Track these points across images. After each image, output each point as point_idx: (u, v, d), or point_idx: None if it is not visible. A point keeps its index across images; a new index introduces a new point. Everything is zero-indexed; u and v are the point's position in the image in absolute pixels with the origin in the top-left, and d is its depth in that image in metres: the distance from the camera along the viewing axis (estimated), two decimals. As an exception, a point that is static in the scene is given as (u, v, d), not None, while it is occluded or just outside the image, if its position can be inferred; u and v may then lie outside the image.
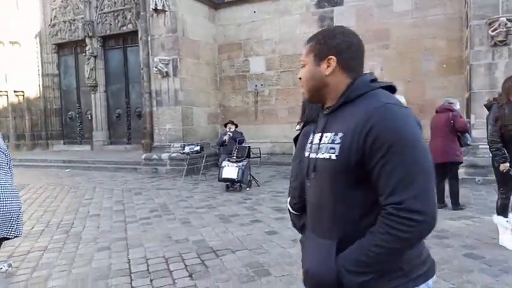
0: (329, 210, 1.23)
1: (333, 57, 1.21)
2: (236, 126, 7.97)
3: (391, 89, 1.24)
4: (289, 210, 2.09)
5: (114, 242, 4.30)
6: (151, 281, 3.23)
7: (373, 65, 9.04)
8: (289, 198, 2.03)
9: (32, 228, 5.05)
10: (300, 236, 1.97)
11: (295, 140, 2.03)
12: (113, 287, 3.16)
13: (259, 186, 7.30)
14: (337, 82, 1.22)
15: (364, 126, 1.08)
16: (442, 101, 5.62)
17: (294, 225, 2.10)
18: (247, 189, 7.03)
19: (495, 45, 6.52)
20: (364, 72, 1.26)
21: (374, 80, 1.23)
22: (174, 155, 9.35)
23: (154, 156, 9.56)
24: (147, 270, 3.47)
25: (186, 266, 3.52)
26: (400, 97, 5.46)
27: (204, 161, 8.47)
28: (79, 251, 4.06)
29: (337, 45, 1.23)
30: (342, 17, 9.23)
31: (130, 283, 3.21)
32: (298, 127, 2.03)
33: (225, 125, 7.99)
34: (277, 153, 10.05)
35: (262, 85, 10.35)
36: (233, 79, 10.76)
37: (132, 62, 13.27)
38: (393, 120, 1.07)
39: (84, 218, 5.48)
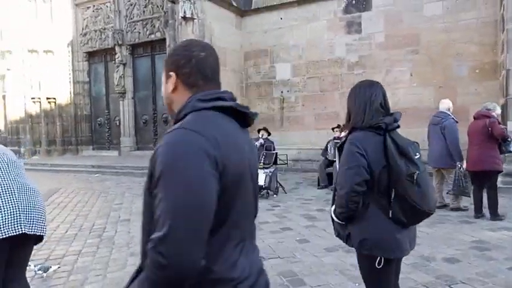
0: None
1: (172, 73, 1.14)
2: (269, 134, 7.95)
3: (232, 110, 1.10)
4: (332, 219, 2.05)
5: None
6: (185, 287, 3.22)
7: (402, 70, 8.89)
8: (333, 207, 1.98)
9: (66, 232, 5.16)
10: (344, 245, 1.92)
11: (340, 147, 1.98)
12: (148, 292, 3.17)
13: (286, 193, 7.24)
14: (180, 99, 1.13)
15: (155, 153, 1.01)
16: (478, 107, 5.44)
17: (338, 235, 2.05)
18: (275, 196, 6.98)
19: (534, 49, 6.28)
20: (214, 89, 1.13)
21: (212, 100, 1.08)
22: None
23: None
24: (180, 276, 3.47)
25: (219, 273, 3.50)
26: (446, 102, 5.27)
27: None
28: (112, 256, 4.11)
29: (175, 61, 1.15)
30: (370, 22, 9.13)
31: (165, 289, 3.21)
32: (343, 134, 1.99)
33: (258, 132, 7.98)
34: (303, 160, 9.96)
35: (288, 91, 10.32)
36: (259, 86, 10.78)
37: (160, 69, 13.48)
38: (165, 153, 0.97)
39: (115, 222, 5.56)
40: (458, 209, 5.41)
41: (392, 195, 1.81)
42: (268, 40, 10.49)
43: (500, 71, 7.60)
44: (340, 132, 7.54)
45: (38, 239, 2.42)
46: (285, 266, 3.62)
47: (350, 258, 3.70)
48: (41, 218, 2.35)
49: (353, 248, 3.94)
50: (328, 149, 7.70)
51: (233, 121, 1.12)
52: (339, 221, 1.92)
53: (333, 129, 8.01)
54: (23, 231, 2.20)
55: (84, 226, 5.42)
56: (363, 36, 9.25)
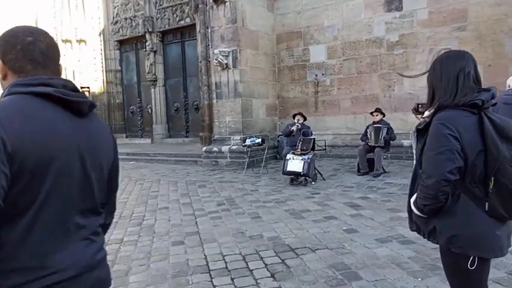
0: None
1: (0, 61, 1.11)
2: (305, 118, 7.67)
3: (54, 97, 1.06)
4: (410, 211, 1.79)
5: (188, 237, 4.23)
6: (232, 279, 3.08)
7: (447, 49, 8.29)
8: (413, 198, 1.73)
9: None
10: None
11: (425, 128, 1.70)
12: (194, 284, 3.05)
13: (324, 180, 6.97)
14: None
15: None
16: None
17: (416, 229, 1.79)
18: (313, 183, 6.74)
19: None
20: (45, 75, 1.11)
21: (33, 85, 1.05)
22: (234, 147, 9.27)
23: (215, 148, 9.54)
24: (226, 267, 3.33)
25: (266, 264, 3.33)
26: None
27: (265, 153, 8.29)
28: (154, 245, 4.02)
29: (1, 48, 1.12)
30: (412, -1, 8.55)
31: (211, 281, 3.08)
32: (426, 113, 1.71)
33: (294, 117, 7.72)
34: (339, 146, 9.62)
35: (323, 74, 9.93)
36: (292, 69, 10.44)
37: (190, 56, 13.40)
38: None
39: (154, 210, 5.51)
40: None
41: (491, 185, 1.54)
42: (302, 21, 10.09)
43: (560, 46, 6.94)
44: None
45: None
46: (335, 258, 3.40)
47: (407, 251, 3.45)
48: None
49: (409, 239, 3.76)
50: (368, 133, 7.35)
51: (58, 108, 1.08)
52: (421, 214, 1.66)
53: (371, 113, 7.61)
54: None
55: (123, 214, 5.39)
56: (404, 13, 8.69)
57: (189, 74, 13.53)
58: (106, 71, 15.40)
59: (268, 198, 5.87)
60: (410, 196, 1.76)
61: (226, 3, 9.12)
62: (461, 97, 1.58)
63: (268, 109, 10.43)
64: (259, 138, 8.29)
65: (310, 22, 9.96)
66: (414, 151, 1.85)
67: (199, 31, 11.02)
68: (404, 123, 8.79)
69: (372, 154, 7.25)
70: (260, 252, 3.63)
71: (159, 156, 11.14)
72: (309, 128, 7.66)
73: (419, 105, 2.05)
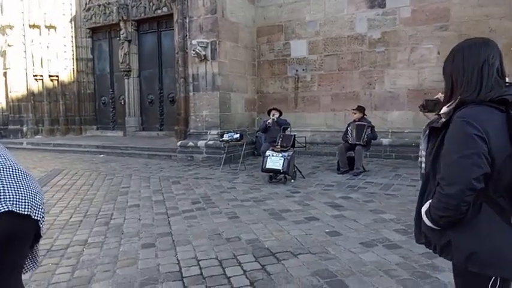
0: None
1: None
2: (280, 113, 7.43)
3: None
4: (417, 222, 1.55)
5: (159, 238, 3.89)
6: (207, 288, 2.79)
7: (428, 48, 8.28)
8: (425, 207, 1.48)
9: (70, 218, 4.73)
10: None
11: (442, 127, 1.46)
12: (165, 294, 2.74)
13: (304, 178, 6.76)
14: None
15: None
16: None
17: (425, 243, 1.55)
18: (292, 181, 6.52)
19: None
20: None
21: None
22: (210, 142, 8.94)
23: (191, 143, 9.17)
24: (201, 274, 3.03)
25: (244, 271, 3.05)
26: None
27: (243, 149, 8.01)
28: (122, 248, 3.67)
29: None
30: (395, -4, 8.44)
31: (184, 290, 2.78)
32: (445, 109, 1.46)
33: (269, 112, 7.46)
34: (318, 143, 9.46)
35: (304, 70, 9.72)
36: (272, 64, 10.18)
37: (166, 46, 12.93)
38: None
39: (123, 208, 5.12)
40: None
41: None
42: (283, 15, 9.83)
43: (539, 49, 6.98)
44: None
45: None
46: (319, 264, 3.16)
47: (393, 256, 3.25)
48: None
49: (395, 243, 3.57)
50: (349, 132, 7.19)
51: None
52: (434, 226, 1.42)
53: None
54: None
55: (89, 212, 4.98)
56: (387, 10, 8.58)
57: (165, 65, 13.05)
58: (77, 60, 14.66)
59: (246, 196, 5.60)
60: (420, 204, 1.52)
61: (206, -8, 8.74)
62: (487, 92, 1.35)
63: (247, 104, 10.14)
64: (237, 133, 8.00)
65: (292, 16, 9.72)
66: (423, 153, 1.61)
67: (177, 21, 10.59)
68: (384, 122, 8.73)
69: (351, 152, 7.10)
70: (238, 257, 3.35)
71: (132, 150, 10.66)
72: (286, 120, 7.44)
73: (428, 102, 1.81)
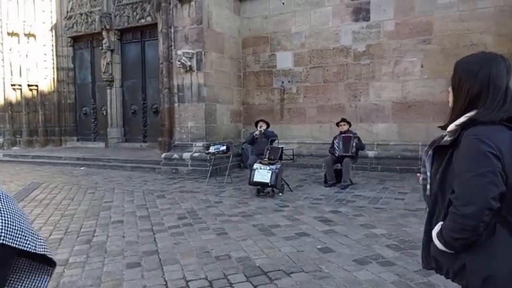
0: None
1: None
2: (268, 125, 7.36)
3: None
4: (428, 247, 1.47)
5: (145, 257, 3.73)
6: (198, 313, 2.65)
7: (412, 61, 8.40)
8: (436, 230, 1.39)
9: (50, 235, 4.51)
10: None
11: (450, 145, 1.39)
12: (153, 320, 2.58)
13: (292, 191, 6.68)
14: None
15: None
16: None
17: (438, 268, 1.46)
18: (280, 194, 6.43)
19: None
20: None
21: None
22: (196, 154, 8.78)
23: (175, 155, 8.99)
24: (190, 297, 2.89)
25: (236, 293, 2.93)
26: None
27: (230, 162, 7.89)
28: (106, 268, 3.49)
29: None
30: (379, 9, 8.57)
31: (173, 315, 2.63)
32: (452, 127, 1.39)
33: (256, 124, 7.38)
34: (304, 155, 9.42)
35: (289, 82, 9.72)
36: (258, 75, 10.15)
37: (150, 56, 12.76)
38: None
39: (106, 224, 4.92)
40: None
41: None
42: (269, 26, 9.85)
43: (519, 63, 7.15)
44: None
45: None
46: (313, 283, 3.06)
47: (389, 274, 3.18)
48: None
49: (388, 260, 3.51)
50: (336, 144, 7.17)
51: None
52: (447, 249, 1.34)
53: (337, 124, 7.43)
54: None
55: (70, 229, 4.76)
56: (371, 23, 8.68)
57: (149, 75, 12.87)
58: (57, 69, 14.30)
59: (234, 211, 5.47)
60: (429, 227, 1.44)
61: (192, 3, 8.67)
62: (504, 111, 1.30)
63: (233, 115, 10.05)
64: (224, 145, 7.88)
65: (278, 28, 9.74)
66: (428, 173, 1.54)
67: (161, 31, 10.47)
68: (370, 134, 8.77)
69: (338, 165, 7.07)
70: (229, 277, 3.22)
71: (114, 162, 10.39)
72: (273, 132, 7.37)
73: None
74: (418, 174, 1.64)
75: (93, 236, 4.44)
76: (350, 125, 7.34)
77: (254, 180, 6.33)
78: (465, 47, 7.86)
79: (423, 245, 1.50)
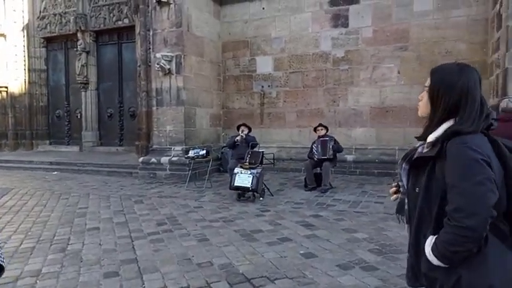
0: None
1: None
2: (250, 129, 7.31)
3: None
4: (417, 264, 1.40)
5: (123, 265, 3.59)
6: (181, 323, 2.56)
7: (389, 67, 8.57)
8: (430, 243, 1.30)
9: (21, 244, 4.29)
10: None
11: (436, 156, 1.35)
12: (133, 332, 2.47)
13: (272, 195, 6.64)
14: None
15: None
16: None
17: (429, 286, 1.41)
18: (261, 199, 6.38)
19: (533, 48, 6.08)
20: None
21: None
22: (175, 159, 8.63)
23: (153, 159, 8.81)
24: (172, 306, 2.79)
25: (220, 301, 2.86)
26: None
27: (210, 166, 7.79)
28: (81, 278, 3.34)
29: None
30: (358, 16, 8.71)
31: (155, 326, 2.53)
32: (432, 137, 1.36)
33: (238, 128, 7.32)
34: (284, 159, 9.42)
35: (269, 86, 9.73)
36: (238, 79, 10.11)
37: (127, 59, 12.52)
38: None
39: (81, 232, 4.73)
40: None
41: None
42: (249, 31, 9.84)
43: (491, 70, 7.41)
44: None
45: None
46: (297, 289, 3.02)
47: (372, 279, 3.18)
48: None
49: (371, 264, 3.51)
50: (314, 149, 7.19)
51: None
52: (442, 264, 1.30)
53: (315, 129, 7.46)
54: None
55: (43, 237, 4.55)
56: (350, 30, 8.81)
57: (126, 78, 12.62)
58: (29, 70, 13.82)
59: (214, 216, 5.38)
60: (416, 244, 1.39)
61: (171, 6, 8.55)
62: (482, 121, 1.32)
63: (212, 119, 9.95)
64: (203, 149, 7.78)
65: (258, 32, 9.74)
66: (405, 186, 1.47)
67: (139, 33, 10.29)
68: (348, 138, 8.86)
69: (318, 169, 7.10)
70: (212, 285, 3.14)
71: (89, 167, 10.08)
72: (254, 138, 7.32)
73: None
74: (391, 190, 1.60)
75: (68, 244, 4.26)
76: (327, 130, 7.39)
77: (235, 184, 6.26)
78: (440, 54, 8.08)
79: (410, 263, 1.45)
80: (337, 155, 7.28)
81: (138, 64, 10.43)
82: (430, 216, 1.32)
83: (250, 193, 6.33)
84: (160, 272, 3.43)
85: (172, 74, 8.67)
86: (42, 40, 13.89)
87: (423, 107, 1.43)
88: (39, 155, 12.58)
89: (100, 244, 4.25)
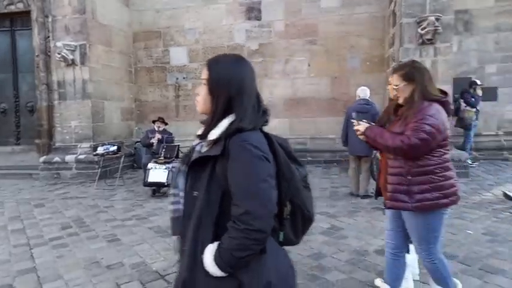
0: None
1: None
2: (166, 124, 7.01)
3: None
4: (188, 283, 1.23)
5: (19, 276, 3.20)
6: (85, 332, 2.34)
7: (300, 60, 8.91)
8: (211, 253, 1.18)
9: None
10: None
11: (220, 155, 1.23)
12: None
13: (190, 189, 6.49)
14: None
15: None
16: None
17: None
18: (178, 193, 6.19)
19: (423, 43, 6.75)
20: None
21: None
22: (81, 157, 7.98)
23: (57, 158, 8.04)
24: (76, 314, 2.55)
25: (131, 302, 2.69)
26: (367, 89, 5.24)
27: (122, 162, 7.35)
28: (-35, 295, 2.90)
29: None
30: (270, 9, 8.89)
31: None
32: (214, 134, 1.25)
33: (153, 122, 6.98)
34: (202, 153, 9.28)
35: (184, 78, 9.48)
36: (151, 71, 9.67)
37: (23, 48, 11.17)
38: None
39: (-34, 243, 4.12)
40: (367, 196, 5.48)
41: (288, 210, 1.31)
42: (161, 21, 9.44)
43: (387, 63, 8.11)
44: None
45: None
46: None
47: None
48: None
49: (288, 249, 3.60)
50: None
51: None
52: (227, 272, 1.16)
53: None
54: None
55: None
56: (263, 23, 8.95)
57: (22, 69, 11.26)
58: None
59: (127, 215, 5.08)
60: (193, 259, 1.20)
61: (72, -11, 7.83)
62: (261, 118, 1.30)
63: (124, 113, 9.40)
64: (114, 145, 7.29)
65: (170, 23, 9.40)
66: (181, 191, 1.31)
67: (36, 19, 9.31)
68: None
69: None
70: (122, 286, 2.95)
71: (-21, 170, 8.85)
72: (171, 134, 7.06)
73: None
74: None
75: (-52, 259, 3.67)
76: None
77: (149, 180, 6.00)
78: (345, 48, 8.63)
79: (183, 279, 1.22)
80: None
81: (37, 54, 9.43)
82: (211, 220, 1.20)
83: (166, 188, 6.11)
84: (63, 279, 3.12)
85: (77, 65, 7.97)
86: None
87: (202, 102, 1.32)
88: None
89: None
